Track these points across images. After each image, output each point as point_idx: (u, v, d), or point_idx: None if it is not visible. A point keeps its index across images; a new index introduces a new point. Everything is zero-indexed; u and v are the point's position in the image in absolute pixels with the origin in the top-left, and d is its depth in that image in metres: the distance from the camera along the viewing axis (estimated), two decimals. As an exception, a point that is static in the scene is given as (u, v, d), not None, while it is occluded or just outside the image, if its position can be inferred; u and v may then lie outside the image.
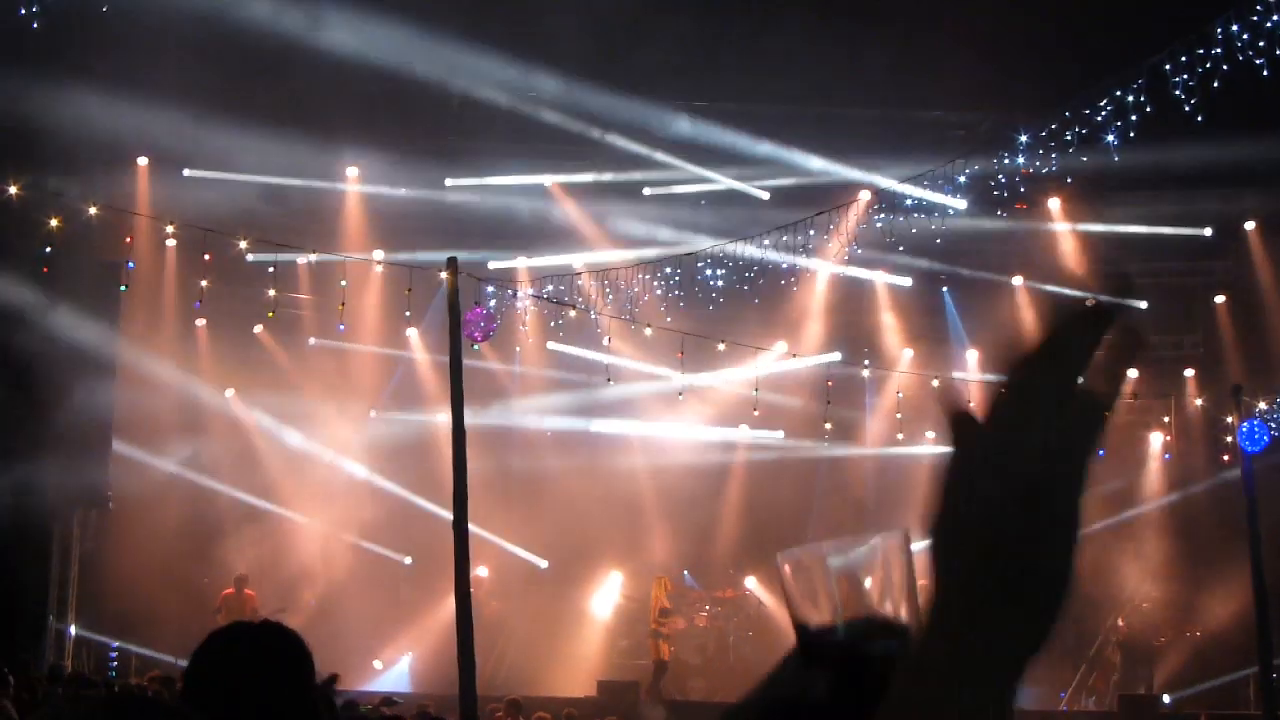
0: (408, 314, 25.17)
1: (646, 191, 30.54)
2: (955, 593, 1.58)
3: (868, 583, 2.25)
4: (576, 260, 30.29)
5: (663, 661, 27.50)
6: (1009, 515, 1.56)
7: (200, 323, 29.62)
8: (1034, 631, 1.56)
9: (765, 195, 30.37)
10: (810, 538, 24.98)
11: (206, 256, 23.35)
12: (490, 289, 26.79)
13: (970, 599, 1.57)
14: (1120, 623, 29.92)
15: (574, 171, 30.53)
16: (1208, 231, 30.48)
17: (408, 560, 31.18)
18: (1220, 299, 31.44)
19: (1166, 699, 27.92)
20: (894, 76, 26.90)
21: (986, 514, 1.56)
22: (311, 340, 30.98)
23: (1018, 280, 31.81)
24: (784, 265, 29.87)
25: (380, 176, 29.74)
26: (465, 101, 28.54)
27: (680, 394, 27.47)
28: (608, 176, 30.30)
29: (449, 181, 29.86)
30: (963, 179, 28.06)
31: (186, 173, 27.89)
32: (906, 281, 32.07)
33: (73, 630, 26.02)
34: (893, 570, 2.21)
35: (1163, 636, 29.82)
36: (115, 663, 26.08)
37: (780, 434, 33.16)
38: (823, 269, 31.25)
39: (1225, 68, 23.98)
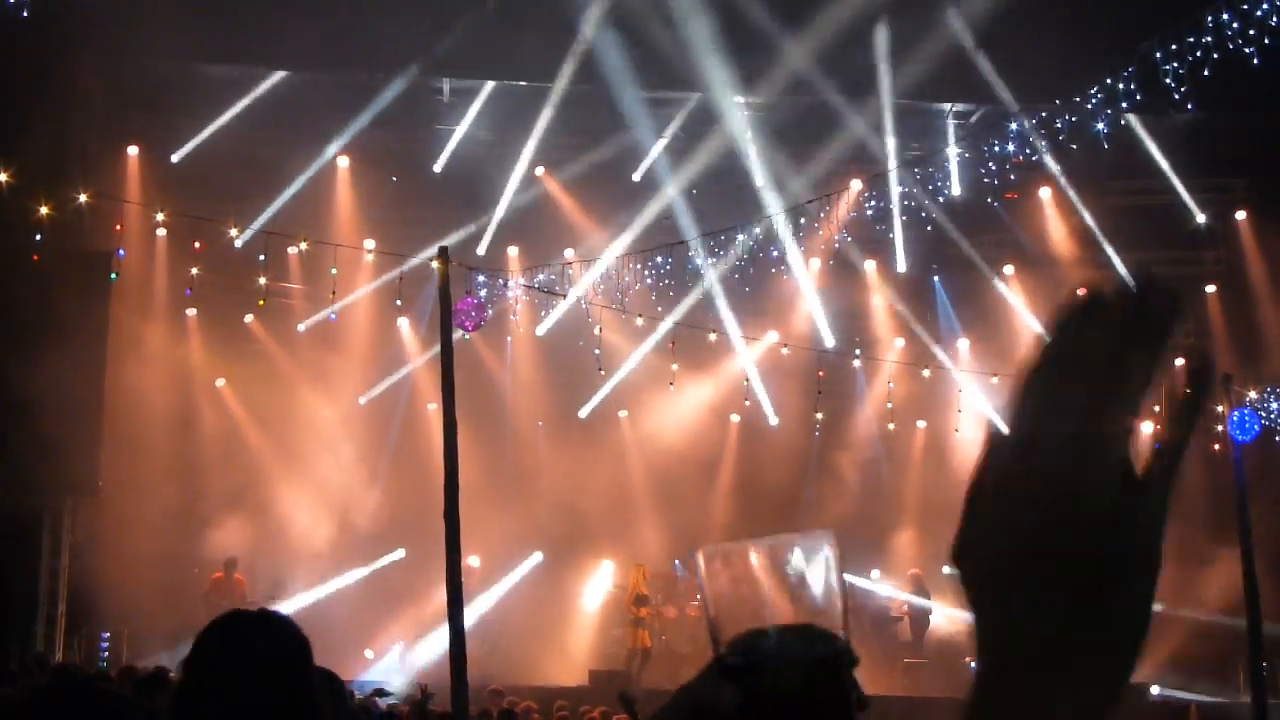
0: (398, 302, 25.14)
1: (636, 177, 30.56)
2: (1016, 642, 1.41)
3: (816, 587, 2.19)
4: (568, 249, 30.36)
5: (644, 649, 27.52)
6: (1081, 550, 1.41)
7: (191, 312, 29.60)
8: (1112, 681, 1.42)
9: (760, 182, 30.44)
10: (800, 527, 24.91)
11: (197, 245, 23.33)
12: (481, 278, 26.78)
13: (1039, 648, 1.40)
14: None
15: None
16: (1201, 219, 30.50)
17: (401, 553, 31.12)
18: (1211, 288, 31.46)
19: (1155, 690, 27.92)
20: (887, 64, 26.95)
21: (1051, 549, 1.41)
22: (301, 326, 30.88)
23: (1009, 269, 31.86)
24: (775, 254, 29.89)
25: (370, 163, 29.78)
26: (455, 87, 28.65)
27: (671, 384, 27.46)
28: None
29: (437, 167, 29.87)
30: (954, 167, 28.10)
31: (175, 158, 27.94)
32: (898, 269, 32.07)
33: (63, 620, 25.96)
34: (833, 574, 2.16)
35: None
36: (106, 652, 26.07)
37: (775, 421, 33.17)
38: (814, 258, 31.26)
39: (1215, 56, 24.00)
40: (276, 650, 3.78)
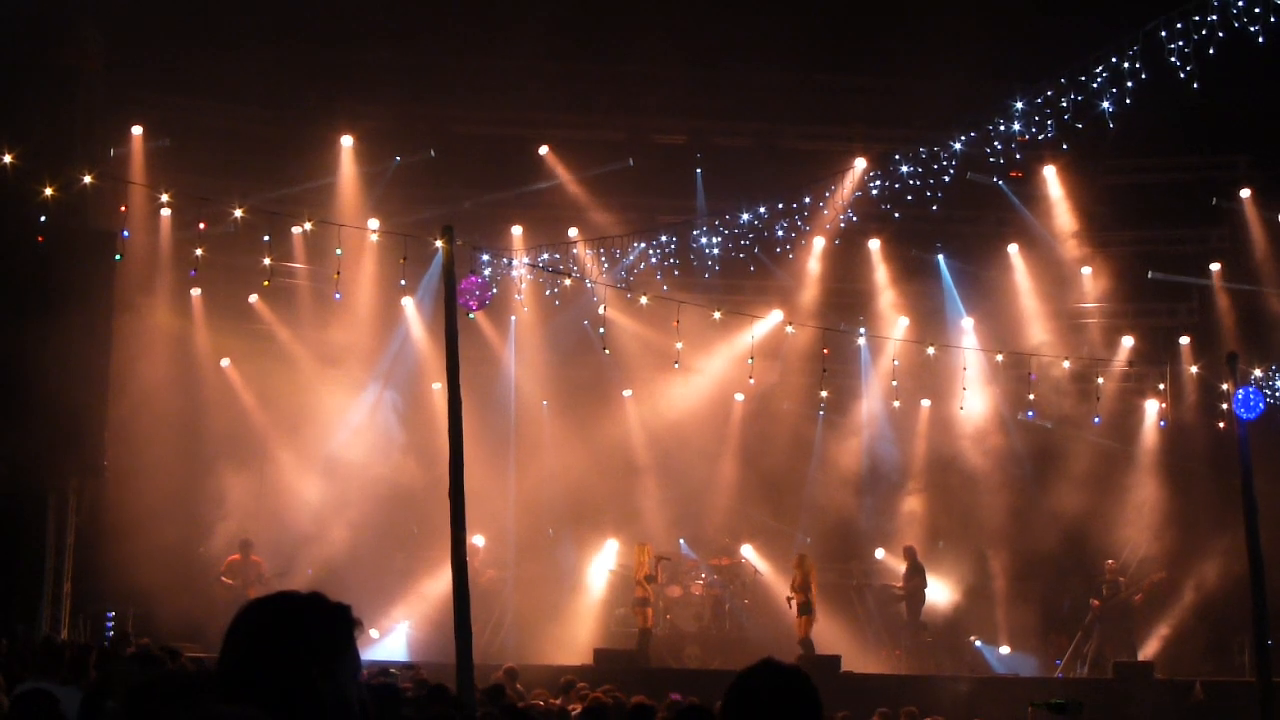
0: (403, 283, 25.14)
1: (631, 162, 30.59)
2: None
3: None
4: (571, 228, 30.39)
5: (647, 629, 27.53)
6: None
7: (195, 292, 29.59)
8: None
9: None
10: (805, 506, 24.82)
11: (202, 225, 23.28)
12: (486, 257, 26.76)
13: None
14: (1094, 602, 29.96)
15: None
16: (1214, 201, 30.54)
17: (415, 530, 31.22)
18: (1215, 266, 31.43)
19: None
20: (891, 43, 26.92)
21: None
22: (297, 314, 30.99)
23: (1013, 248, 31.82)
24: (780, 233, 29.87)
25: (375, 143, 29.80)
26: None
27: (676, 363, 27.43)
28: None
29: (431, 152, 29.93)
30: (958, 146, 28.04)
31: (178, 138, 27.97)
32: (902, 250, 32.09)
33: (69, 600, 26.00)
34: None
35: (1138, 594, 29.80)
36: (111, 632, 26.11)
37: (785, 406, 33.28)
38: (818, 236, 31.23)
39: (1221, 34, 23.93)
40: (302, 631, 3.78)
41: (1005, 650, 31.11)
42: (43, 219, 21.71)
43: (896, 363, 29.30)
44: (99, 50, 25.96)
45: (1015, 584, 31.87)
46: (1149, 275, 31.47)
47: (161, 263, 28.44)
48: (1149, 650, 29.65)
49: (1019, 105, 27.22)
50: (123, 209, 24.60)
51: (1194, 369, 31.25)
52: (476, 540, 28.85)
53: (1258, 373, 27.80)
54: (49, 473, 24.65)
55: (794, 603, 27.64)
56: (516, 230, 30.64)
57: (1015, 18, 25.59)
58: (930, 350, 28.77)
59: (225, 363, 30.68)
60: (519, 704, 16.06)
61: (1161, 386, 31.69)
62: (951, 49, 26.13)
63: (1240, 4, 23.86)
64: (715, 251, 29.88)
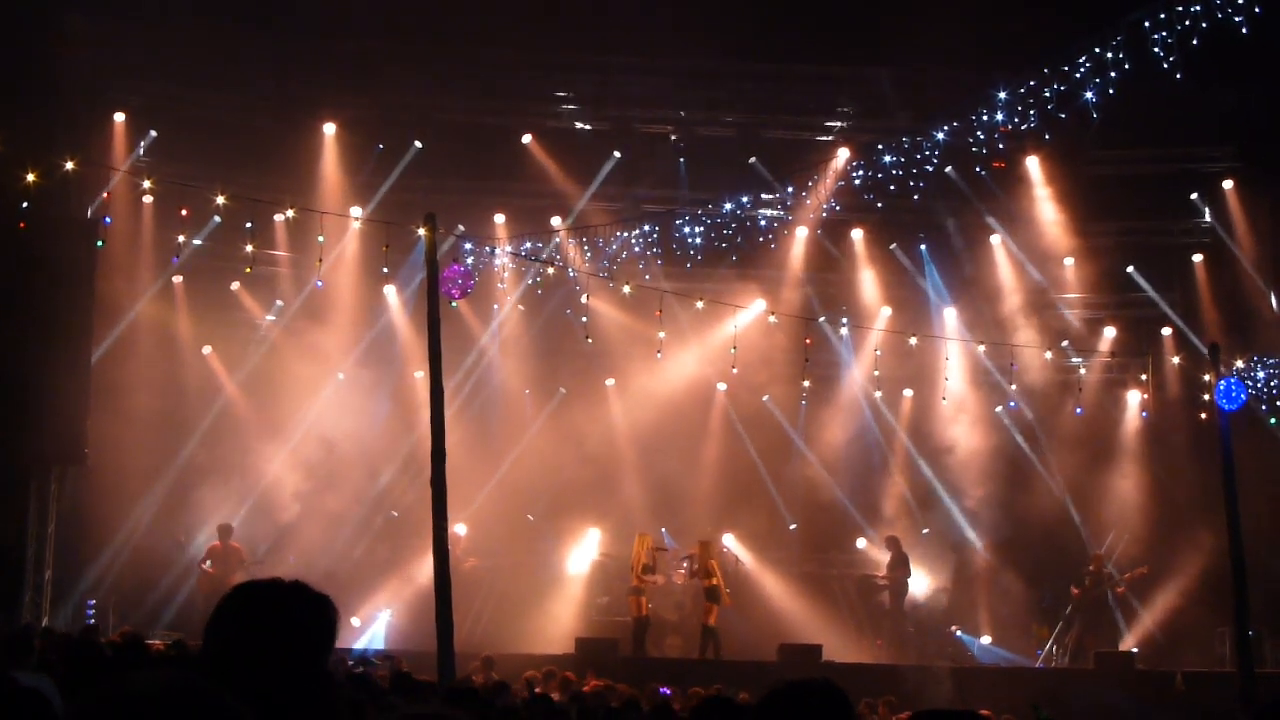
0: (385, 270, 25.08)
1: (617, 154, 30.63)
2: None
3: None
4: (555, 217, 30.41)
5: (643, 618, 27.49)
6: None
7: (177, 279, 29.51)
8: None
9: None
10: (787, 495, 24.76)
11: (184, 212, 23.19)
12: (468, 246, 26.71)
13: None
14: (1074, 590, 29.98)
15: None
16: (1193, 196, 30.65)
17: (394, 514, 31.22)
18: (1198, 257, 31.45)
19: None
20: (874, 33, 26.92)
21: None
22: (278, 303, 30.96)
23: (996, 238, 31.81)
24: (762, 222, 29.86)
25: (358, 131, 29.78)
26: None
27: (659, 352, 27.39)
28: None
29: (417, 143, 29.99)
30: (941, 136, 28.04)
31: (162, 125, 27.92)
32: (884, 240, 32.11)
33: (49, 588, 25.94)
34: None
35: (1120, 586, 29.84)
36: (92, 619, 26.07)
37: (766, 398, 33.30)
38: (801, 226, 31.22)
39: (1204, 25, 23.95)
40: (298, 625, 3.77)
41: (986, 640, 31.14)
42: (24, 205, 21.63)
43: (879, 352, 29.26)
44: (81, 37, 25.88)
45: (997, 574, 31.89)
46: (1129, 269, 31.57)
47: (143, 250, 28.36)
48: (1130, 640, 29.70)
49: (1002, 95, 27.24)
50: (105, 195, 24.55)
51: (1176, 360, 31.30)
52: (458, 529, 28.82)
53: (1239, 364, 27.87)
54: (30, 460, 24.60)
55: (698, 583, 27.72)
56: (499, 219, 30.57)
57: (999, 7, 25.57)
58: (912, 340, 28.75)
59: (207, 350, 30.61)
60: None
61: (1144, 377, 31.72)
62: (935, 39, 26.10)
63: (1223, -5, 23.89)
64: (698, 241, 29.88)
